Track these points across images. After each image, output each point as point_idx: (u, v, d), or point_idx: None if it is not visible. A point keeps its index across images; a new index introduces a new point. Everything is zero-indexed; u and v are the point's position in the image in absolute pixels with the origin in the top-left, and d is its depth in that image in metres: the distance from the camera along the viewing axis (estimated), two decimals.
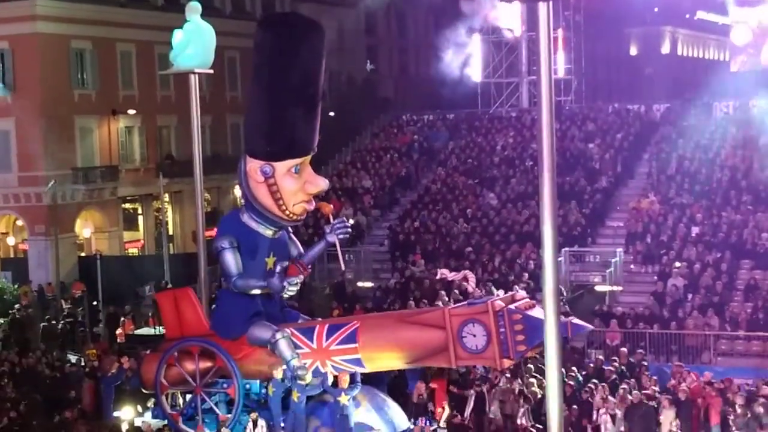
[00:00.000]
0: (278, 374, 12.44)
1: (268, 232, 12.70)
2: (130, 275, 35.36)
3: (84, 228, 40.23)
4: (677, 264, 26.54)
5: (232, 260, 12.53)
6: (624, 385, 19.12)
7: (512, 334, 11.73)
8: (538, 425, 17.92)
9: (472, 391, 18.99)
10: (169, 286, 32.16)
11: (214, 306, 14.05)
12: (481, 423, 18.68)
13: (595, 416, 18.45)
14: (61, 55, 39.61)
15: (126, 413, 17.98)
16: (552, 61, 8.90)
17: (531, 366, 19.83)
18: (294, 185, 12.43)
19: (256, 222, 12.64)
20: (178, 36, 16.52)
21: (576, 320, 12.35)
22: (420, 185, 35.97)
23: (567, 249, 27.83)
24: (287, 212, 12.50)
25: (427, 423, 14.02)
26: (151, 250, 43.82)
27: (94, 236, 40.99)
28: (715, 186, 30.31)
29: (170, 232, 43.85)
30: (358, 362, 12.44)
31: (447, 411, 18.48)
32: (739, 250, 26.91)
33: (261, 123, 12.61)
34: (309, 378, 12.45)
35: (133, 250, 44.01)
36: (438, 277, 18.07)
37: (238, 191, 43.86)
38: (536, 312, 11.67)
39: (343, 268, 15.28)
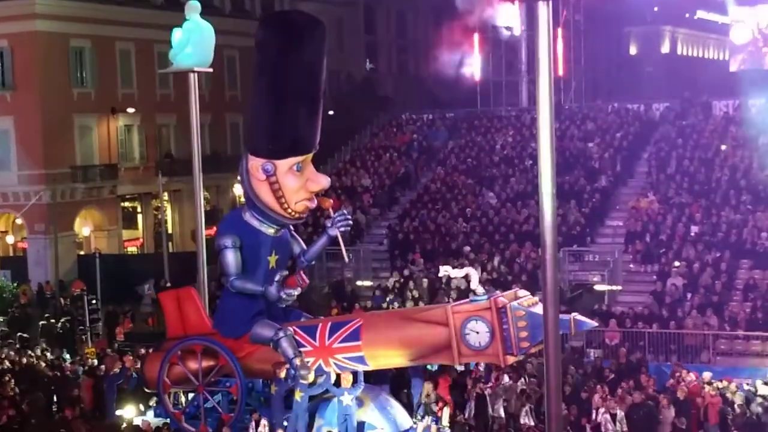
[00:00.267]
0: (281, 373, 12.43)
1: (270, 231, 12.69)
2: (129, 274, 35.37)
3: (83, 227, 40.24)
4: (676, 263, 26.55)
5: (232, 260, 12.51)
6: (623, 385, 19.14)
7: (515, 331, 11.71)
8: (541, 425, 17.90)
9: (476, 389, 18.99)
10: (168, 285, 32.17)
11: (218, 303, 14.04)
12: (485, 422, 18.68)
13: (594, 415, 18.45)
14: (60, 54, 39.61)
15: (128, 412, 17.99)
16: (551, 60, 8.90)
17: (530, 364, 19.83)
18: (296, 183, 12.42)
19: (258, 220, 12.63)
20: (177, 35, 16.51)
21: (579, 316, 12.34)
22: (419, 184, 35.97)
23: (566, 248, 27.82)
24: (289, 210, 12.49)
25: (433, 422, 14.00)
26: (150, 249, 43.83)
27: (93, 235, 41.01)
28: (715, 185, 30.31)
29: (169, 231, 43.85)
30: (361, 360, 12.42)
31: (448, 410, 18.43)
32: (739, 250, 26.91)
33: (263, 121, 12.59)
34: (311, 377, 12.44)
35: (132, 249, 44.03)
36: (440, 274, 17.86)
37: (237, 190, 43.90)
38: (539, 309, 11.66)
39: (346, 260, 15.26)
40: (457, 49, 41.92)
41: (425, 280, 27.57)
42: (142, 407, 17.89)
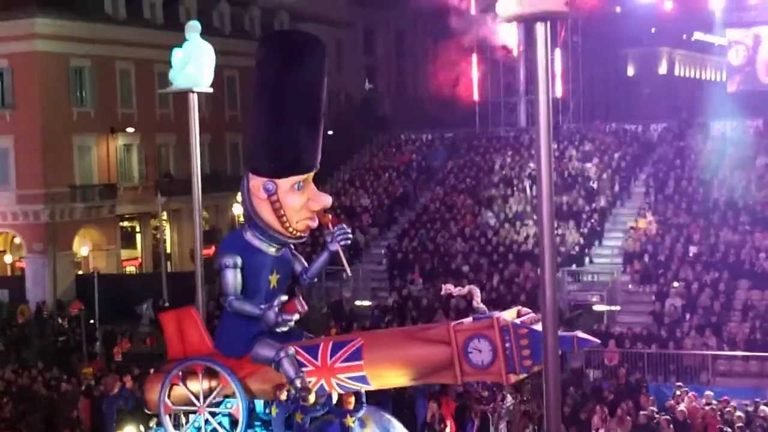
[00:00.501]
0: (282, 396, 12.40)
1: (271, 250, 12.67)
2: (127, 294, 35.31)
3: (82, 246, 40.20)
4: (675, 284, 26.54)
5: (232, 280, 12.47)
6: (623, 406, 19.07)
7: (518, 349, 11.66)
8: None
9: (477, 410, 18.92)
10: (167, 304, 32.12)
11: (219, 323, 14.01)
12: None
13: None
14: (60, 74, 39.71)
15: None
16: (550, 81, 8.94)
17: (529, 384, 19.77)
18: (297, 202, 12.41)
19: (259, 240, 12.61)
20: (177, 55, 16.53)
21: (582, 334, 12.31)
22: (418, 204, 36.02)
23: (565, 268, 27.82)
24: (290, 229, 12.48)
25: None
26: (148, 269, 43.79)
27: (91, 254, 40.96)
28: (713, 206, 30.35)
29: (168, 251, 43.83)
30: (363, 380, 12.36)
31: (453, 429, 18.37)
32: (737, 270, 26.91)
33: (264, 140, 12.60)
34: (312, 399, 12.40)
35: (130, 269, 43.98)
36: (443, 292, 17.86)
37: (236, 209, 43.90)
38: (542, 327, 11.61)
39: (348, 274, 15.19)
40: (456, 69, 42.05)
41: (424, 300, 27.55)
42: (142, 428, 17.78)
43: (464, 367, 11.93)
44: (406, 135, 42.48)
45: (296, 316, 12.56)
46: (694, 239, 28.67)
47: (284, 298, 12.74)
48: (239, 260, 12.42)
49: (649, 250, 28.73)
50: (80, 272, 40.15)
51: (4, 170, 39.56)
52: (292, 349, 12.48)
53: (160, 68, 37.71)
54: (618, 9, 52.42)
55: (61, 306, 36.14)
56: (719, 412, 18.83)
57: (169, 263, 42.50)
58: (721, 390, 21.16)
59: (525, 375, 12.02)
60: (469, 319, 12.44)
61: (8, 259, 41.54)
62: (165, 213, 42.58)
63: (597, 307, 26.97)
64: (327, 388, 12.50)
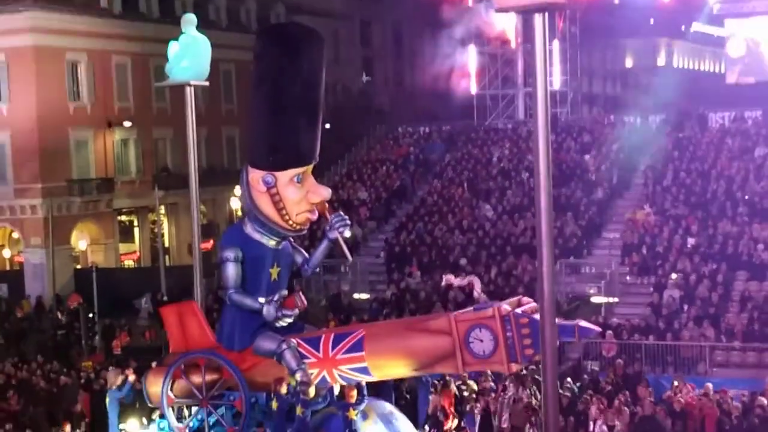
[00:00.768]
0: (282, 389, 12.41)
1: (271, 243, 12.68)
2: (125, 287, 35.35)
3: (80, 240, 40.21)
4: (673, 275, 26.56)
5: (233, 273, 12.49)
6: (620, 397, 19.10)
7: (519, 339, 11.67)
8: None
9: (478, 405, 18.94)
10: (165, 298, 32.16)
11: (221, 316, 14.02)
12: None
13: (591, 427, 18.40)
14: (56, 68, 39.65)
15: (131, 426, 17.90)
16: (548, 73, 8.92)
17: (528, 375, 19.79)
18: (297, 195, 12.41)
19: (259, 233, 12.62)
20: (173, 48, 16.52)
21: (584, 323, 12.32)
22: (416, 197, 35.99)
23: (563, 260, 27.83)
24: (290, 222, 12.49)
25: None
26: (146, 262, 43.82)
27: (89, 248, 40.97)
28: (711, 197, 30.35)
29: (166, 245, 43.84)
30: (365, 371, 12.37)
31: (454, 422, 18.37)
32: (735, 262, 26.92)
33: (262, 133, 12.59)
34: (312, 393, 12.41)
35: (128, 262, 44.00)
36: (444, 283, 18.18)
37: (233, 203, 43.93)
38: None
39: (350, 259, 15.21)
40: (454, 62, 41.99)
41: (422, 293, 27.57)
42: (144, 421, 17.79)
43: (466, 356, 11.94)
44: (404, 128, 42.42)
45: (296, 312, 12.57)
46: (692, 231, 28.68)
47: (284, 293, 12.75)
48: (240, 253, 12.44)
49: (647, 241, 28.74)
50: (78, 266, 40.17)
51: (1, 165, 39.54)
52: (293, 341, 12.49)
53: (156, 62, 37.70)
54: (616, 0, 52.39)
55: (59, 300, 36.17)
56: (717, 403, 18.87)
57: (167, 257, 42.53)
58: (719, 381, 21.20)
59: (526, 364, 12.04)
60: (470, 309, 12.45)
61: (6, 253, 41.55)
62: (162, 207, 42.59)
63: (595, 299, 26.99)
64: (329, 379, 12.52)
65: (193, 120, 16.94)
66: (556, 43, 38.82)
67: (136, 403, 18.53)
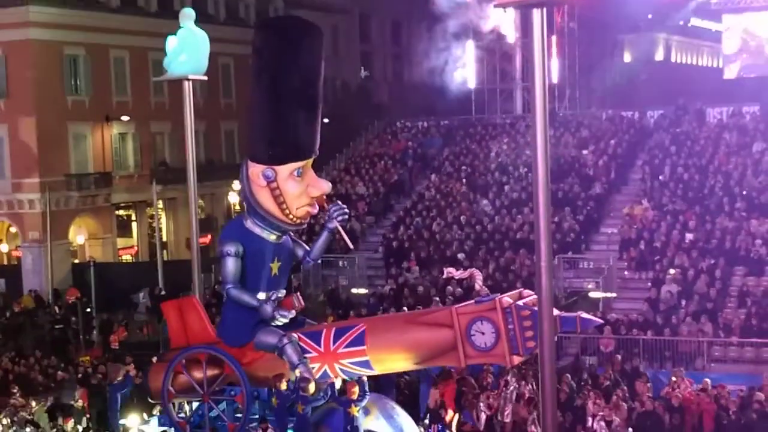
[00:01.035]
0: (282, 386, 12.41)
1: (272, 237, 12.66)
2: (123, 282, 35.33)
3: (78, 235, 40.19)
4: (671, 270, 26.57)
5: (232, 268, 12.49)
6: (618, 392, 19.12)
7: (521, 331, 11.66)
8: None
9: (483, 397, 18.91)
10: (163, 293, 32.14)
11: (221, 311, 14.02)
12: (492, 429, 18.66)
13: (590, 422, 18.41)
14: (54, 62, 39.59)
15: (132, 421, 17.91)
16: (546, 68, 8.92)
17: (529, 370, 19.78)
18: (297, 189, 12.40)
19: (259, 227, 12.60)
20: (171, 42, 16.52)
21: (585, 315, 12.33)
22: (414, 192, 35.99)
23: (561, 255, 27.84)
24: (290, 216, 12.48)
25: (440, 429, 13.98)
26: (144, 257, 43.80)
27: (87, 243, 40.95)
28: (709, 193, 30.36)
29: (164, 239, 43.82)
30: (366, 365, 12.37)
31: (455, 415, 18.37)
32: (733, 257, 26.94)
33: (262, 127, 12.58)
34: (312, 389, 12.41)
35: (126, 257, 43.98)
36: (444, 275, 18.03)
37: (232, 198, 43.89)
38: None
39: (351, 246, 15.26)
40: (452, 56, 41.94)
41: (420, 288, 27.57)
42: (145, 416, 17.79)
43: (467, 349, 11.93)
44: (402, 122, 42.41)
45: (292, 313, 12.56)
46: (690, 226, 28.69)
47: (283, 292, 12.75)
48: (241, 249, 12.43)
49: (645, 236, 28.75)
50: (76, 261, 40.15)
51: None
52: (295, 336, 12.48)
53: (154, 56, 37.58)
54: None
55: (57, 294, 36.16)
56: (714, 398, 18.89)
57: (165, 252, 42.50)
58: (717, 376, 21.24)
59: (528, 356, 12.04)
60: (471, 302, 12.43)
61: (4, 248, 41.52)
62: (160, 201, 42.57)
63: (593, 294, 27.01)
64: (330, 373, 12.51)
65: (192, 114, 16.95)
66: (554, 38, 38.78)
67: (134, 398, 18.56)
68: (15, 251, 41.28)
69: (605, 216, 31.67)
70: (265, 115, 12.48)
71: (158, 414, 14.64)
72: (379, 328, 12.55)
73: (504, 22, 39.83)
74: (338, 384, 12.81)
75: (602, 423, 17.93)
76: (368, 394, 12.73)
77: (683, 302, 25.11)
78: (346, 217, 13.13)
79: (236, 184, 41.13)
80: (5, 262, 41.71)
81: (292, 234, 13.21)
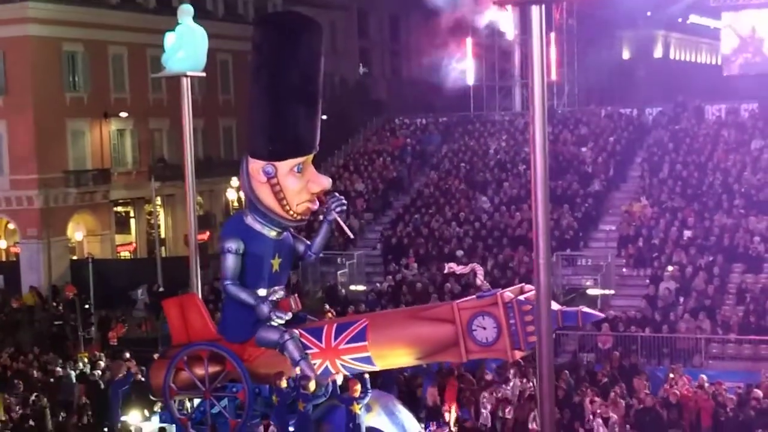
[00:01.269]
0: (283, 384, 12.41)
1: (273, 234, 12.66)
2: (122, 279, 35.32)
3: (76, 231, 40.17)
4: (669, 267, 26.58)
5: (231, 265, 12.49)
6: (616, 389, 19.14)
7: (522, 326, 11.67)
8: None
9: (485, 394, 18.92)
10: (161, 289, 32.15)
11: (222, 308, 14.03)
12: (494, 426, 18.68)
13: (590, 419, 18.43)
14: (52, 58, 39.54)
15: (133, 418, 17.91)
16: (545, 65, 8.91)
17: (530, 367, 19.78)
18: (297, 185, 12.40)
19: (260, 224, 12.60)
20: (170, 39, 16.49)
21: (586, 309, 12.33)
22: (413, 189, 35.98)
23: (559, 253, 27.85)
24: (291, 212, 12.47)
25: (439, 427, 14.01)
26: (143, 254, 43.78)
27: (86, 239, 40.94)
28: (707, 190, 30.37)
29: (162, 236, 43.81)
30: (368, 360, 12.37)
31: (455, 413, 18.40)
32: (731, 254, 26.95)
33: (262, 123, 12.57)
34: (312, 387, 12.41)
35: (125, 254, 43.96)
36: (446, 270, 18.03)
37: (230, 194, 43.87)
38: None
39: (351, 236, 15.27)
40: (451, 53, 41.92)
41: (419, 285, 27.57)
42: (146, 412, 17.79)
43: (469, 344, 11.94)
44: (401, 119, 42.38)
45: (289, 315, 12.55)
46: (688, 223, 28.70)
47: (281, 293, 12.73)
48: (242, 246, 12.42)
49: (643, 233, 28.75)
50: (74, 257, 40.14)
51: None
52: (296, 332, 12.48)
53: (152, 52, 37.59)
54: None
55: (56, 291, 36.15)
56: (712, 395, 18.91)
57: (163, 248, 42.49)
58: (715, 373, 21.25)
59: (530, 351, 12.05)
60: (472, 297, 12.42)
61: (2, 244, 41.51)
62: (159, 198, 42.54)
63: (591, 291, 27.00)
64: (332, 369, 12.50)
65: (190, 111, 16.92)
66: (553, 36, 38.75)
67: (132, 395, 18.54)
68: (13, 248, 41.27)
69: (604, 213, 31.67)
70: (264, 111, 12.47)
71: (159, 411, 14.65)
72: (381, 324, 12.56)
73: (503, 18, 39.85)
74: (340, 380, 12.81)
75: (600, 420, 17.95)
76: (370, 391, 12.73)
77: (681, 299, 25.12)
78: (345, 208, 13.16)
79: (234, 181, 41.14)
80: (3, 259, 41.70)
81: (292, 230, 13.20)
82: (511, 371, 19.66)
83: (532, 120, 8.94)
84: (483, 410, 18.84)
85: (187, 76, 16.62)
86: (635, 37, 71.01)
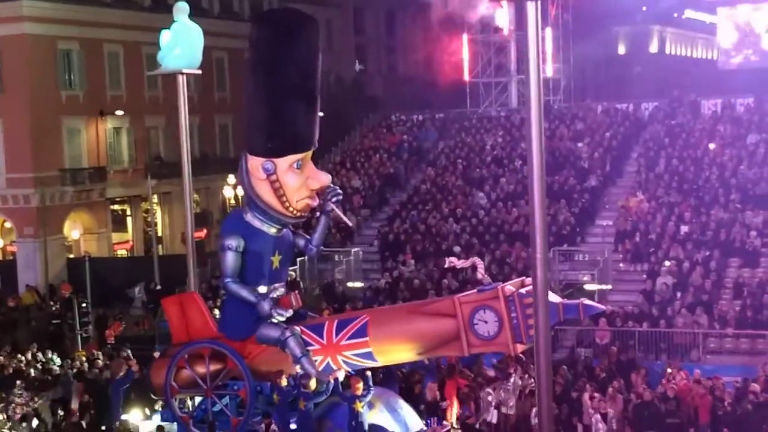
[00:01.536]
0: (283, 382, 12.42)
1: (272, 230, 12.66)
2: (119, 277, 35.29)
3: (72, 230, 40.11)
4: (666, 262, 26.60)
5: (231, 262, 12.49)
6: (614, 384, 19.16)
7: (524, 319, 11.67)
8: (555, 426, 17.80)
9: (488, 390, 18.92)
10: (159, 287, 32.13)
11: (223, 306, 14.02)
12: (497, 422, 18.69)
13: (591, 413, 18.43)
14: (48, 56, 39.49)
15: (134, 416, 17.89)
16: (540, 61, 8.92)
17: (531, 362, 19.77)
18: (296, 181, 12.41)
19: (259, 221, 12.60)
20: (165, 36, 16.49)
21: (587, 301, 12.34)
22: (409, 185, 35.97)
23: (556, 248, 27.87)
24: (290, 209, 12.48)
25: (439, 423, 14.02)
26: (139, 252, 43.75)
27: (82, 238, 40.90)
28: (704, 184, 30.39)
29: (159, 234, 43.76)
30: (369, 356, 12.37)
31: (456, 409, 18.39)
32: (728, 249, 26.98)
33: (261, 120, 12.56)
34: (313, 385, 12.42)
35: (121, 252, 43.92)
36: (447, 265, 18.09)
37: (227, 192, 43.84)
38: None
39: (350, 224, 15.27)
40: (446, 49, 41.92)
41: (416, 281, 27.57)
42: (147, 411, 17.77)
43: (470, 338, 11.94)
44: (397, 116, 42.35)
45: (290, 312, 12.54)
46: (685, 218, 28.72)
47: (281, 290, 12.73)
48: (242, 243, 12.42)
49: (640, 228, 28.77)
50: (71, 256, 40.09)
51: None
52: (297, 329, 12.48)
53: (148, 50, 37.51)
54: None
55: (53, 290, 36.11)
56: (710, 390, 18.94)
57: (160, 246, 42.45)
58: (712, 368, 21.30)
59: (531, 344, 12.07)
60: (473, 291, 12.43)
61: None
62: (155, 196, 42.49)
63: (588, 286, 27.01)
64: (333, 365, 12.50)
65: (186, 108, 16.93)
66: (548, 31, 38.76)
67: (131, 393, 18.51)
68: (10, 246, 41.23)
69: (600, 208, 31.69)
70: (263, 107, 12.47)
71: (161, 409, 14.66)
72: (382, 319, 12.56)
73: (498, 14, 39.86)
74: (341, 377, 12.80)
75: (598, 416, 17.98)
76: (372, 388, 12.74)
77: (678, 294, 25.14)
78: (341, 197, 13.18)
79: (231, 178, 41.11)
80: (0, 258, 41.62)
81: (291, 227, 13.20)
82: (512, 367, 19.65)
83: (528, 115, 8.94)
84: (488, 406, 18.82)
85: (183, 73, 16.63)
86: (631, 32, 71.05)
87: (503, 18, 40.76)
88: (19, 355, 25.04)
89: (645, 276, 26.72)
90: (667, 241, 27.68)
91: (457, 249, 29.32)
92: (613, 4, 55.57)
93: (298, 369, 12.27)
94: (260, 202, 12.49)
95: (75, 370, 23.14)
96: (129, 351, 22.88)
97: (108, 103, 41.83)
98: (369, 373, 12.75)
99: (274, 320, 12.46)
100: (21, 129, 38.60)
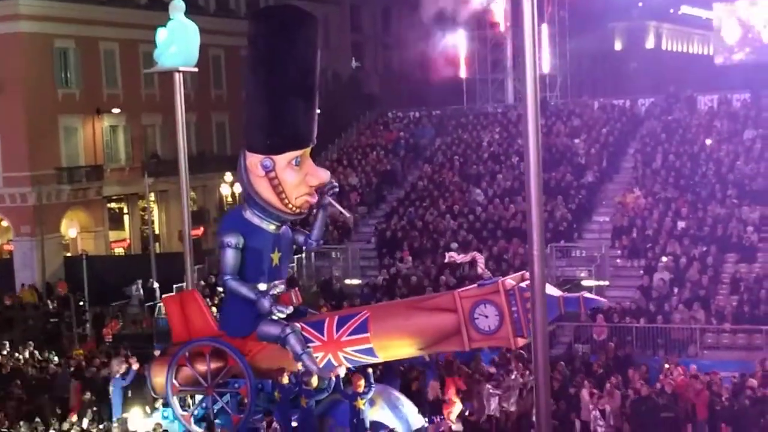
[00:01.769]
0: (284, 379, 12.42)
1: (272, 228, 12.66)
2: (116, 275, 35.27)
3: (69, 228, 40.10)
4: (663, 258, 26.63)
5: (231, 260, 12.48)
6: (612, 380, 19.18)
7: (525, 313, 11.66)
8: (553, 421, 17.82)
9: (488, 386, 18.94)
10: (156, 285, 32.11)
11: (223, 303, 14.02)
12: (497, 419, 18.71)
13: (589, 409, 18.45)
14: (44, 54, 39.43)
15: (134, 415, 17.89)
16: (537, 57, 8.93)
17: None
18: (295, 178, 12.40)
19: (259, 218, 12.60)
20: (162, 34, 16.47)
21: (588, 294, 12.34)
22: (406, 182, 35.99)
23: (553, 244, 27.89)
24: (290, 206, 12.48)
25: (442, 420, 14.04)
26: (137, 250, 43.74)
27: (79, 236, 40.87)
28: (700, 180, 30.42)
29: (156, 232, 43.74)
30: (370, 352, 12.36)
31: (458, 406, 18.40)
32: (725, 244, 27.01)
33: (259, 116, 12.55)
34: (315, 382, 12.42)
35: (119, 250, 43.91)
36: (446, 259, 18.14)
37: (224, 190, 43.82)
38: (549, 290, 11.64)
39: (347, 215, 15.30)
40: (443, 46, 41.91)
41: (413, 278, 27.59)
42: (148, 409, 17.77)
43: (471, 333, 11.94)
44: (394, 113, 42.36)
45: (290, 309, 12.54)
46: (682, 213, 28.75)
47: (281, 287, 12.73)
48: (241, 240, 12.42)
49: (637, 224, 28.80)
50: (68, 254, 40.07)
51: None
52: (297, 326, 12.47)
53: (144, 48, 37.43)
54: None
55: (50, 289, 36.09)
56: (707, 385, 18.96)
57: (157, 244, 42.42)
58: (709, 363, 21.31)
59: (531, 339, 12.07)
60: (474, 286, 12.42)
61: None
62: (152, 194, 42.46)
63: (585, 282, 27.03)
64: (334, 362, 12.50)
65: (183, 106, 16.92)
66: (544, 27, 38.76)
67: (128, 391, 18.52)
68: (7, 245, 41.19)
69: (597, 204, 31.73)
70: (261, 104, 12.46)
71: (161, 408, 14.67)
72: (382, 315, 12.55)
73: (494, 11, 39.86)
74: (342, 373, 12.81)
75: (596, 412, 18.00)
76: (374, 386, 12.74)
77: (676, 290, 25.15)
78: (337, 190, 13.21)
79: (228, 176, 41.10)
80: None
81: (289, 224, 13.20)
82: (513, 363, 19.66)
83: (524, 112, 8.94)
84: (491, 402, 18.82)
85: (179, 71, 16.62)
86: (627, 28, 71.07)
87: (499, 15, 40.77)
88: (17, 354, 25.04)
89: (642, 272, 26.74)
90: (664, 237, 27.71)
91: (454, 245, 29.34)
92: (608, 0, 55.58)
93: (299, 365, 12.26)
94: (259, 199, 12.49)
95: (72, 369, 23.13)
96: (128, 350, 22.82)
97: (105, 101, 41.79)
98: (370, 370, 12.76)
99: (275, 317, 12.45)
100: (17, 127, 38.55)
